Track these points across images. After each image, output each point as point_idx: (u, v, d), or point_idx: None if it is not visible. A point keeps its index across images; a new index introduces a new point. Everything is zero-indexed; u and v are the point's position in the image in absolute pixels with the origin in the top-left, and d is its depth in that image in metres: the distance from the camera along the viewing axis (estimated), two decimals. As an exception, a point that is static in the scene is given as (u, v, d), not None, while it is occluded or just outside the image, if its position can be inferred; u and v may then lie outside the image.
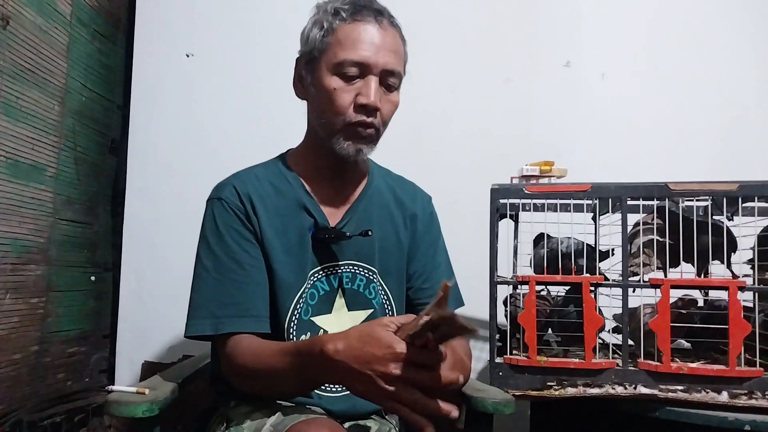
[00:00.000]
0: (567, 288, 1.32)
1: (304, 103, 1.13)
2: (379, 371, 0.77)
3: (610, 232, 1.31)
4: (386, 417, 1.15)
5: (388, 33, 1.03)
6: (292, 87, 1.13)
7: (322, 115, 1.05)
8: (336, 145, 1.04)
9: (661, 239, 1.24)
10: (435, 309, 0.73)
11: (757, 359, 1.16)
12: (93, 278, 1.85)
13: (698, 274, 1.26)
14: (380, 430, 1.06)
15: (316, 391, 1.05)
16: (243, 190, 1.08)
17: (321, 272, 1.10)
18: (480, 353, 1.68)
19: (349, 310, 1.11)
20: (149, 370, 1.82)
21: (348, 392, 1.05)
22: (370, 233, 1.09)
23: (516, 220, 1.45)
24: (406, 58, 1.09)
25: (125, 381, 1.84)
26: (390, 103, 1.05)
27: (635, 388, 1.18)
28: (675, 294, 1.23)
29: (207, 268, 1.04)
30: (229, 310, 1.01)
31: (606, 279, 1.26)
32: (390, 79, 1.04)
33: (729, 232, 1.24)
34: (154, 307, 1.86)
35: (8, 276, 1.45)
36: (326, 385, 1.06)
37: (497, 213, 1.30)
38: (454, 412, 0.77)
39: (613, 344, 1.25)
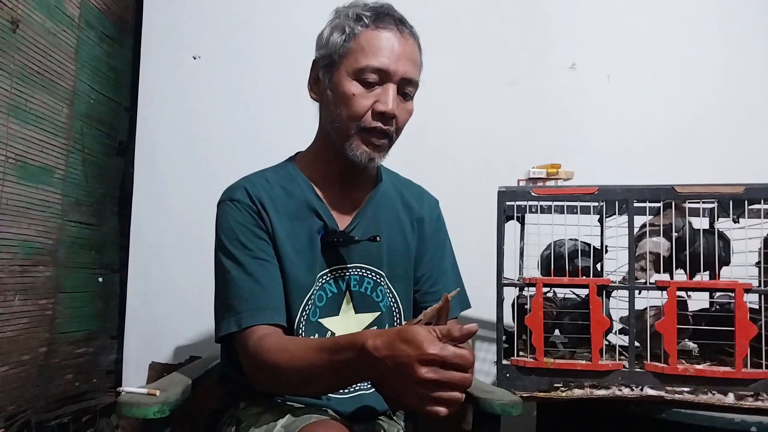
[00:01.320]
0: (581, 291, 1.32)
1: (312, 105, 1.14)
2: (411, 374, 0.76)
3: (616, 234, 1.31)
4: (394, 418, 1.15)
5: (409, 42, 1.04)
6: (301, 91, 1.13)
7: (337, 119, 1.05)
8: (349, 151, 1.05)
9: (667, 241, 1.25)
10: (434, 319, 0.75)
11: (764, 361, 1.17)
12: (100, 279, 1.86)
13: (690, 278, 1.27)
14: (389, 431, 1.07)
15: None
16: (254, 192, 1.08)
17: (329, 274, 1.10)
18: (486, 354, 1.69)
19: (356, 313, 1.12)
20: (156, 370, 1.83)
21: (356, 394, 1.08)
22: (378, 239, 1.10)
23: (522, 222, 1.45)
24: (422, 67, 1.10)
25: (132, 382, 1.84)
26: (405, 112, 1.06)
27: (642, 389, 1.19)
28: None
29: (227, 269, 1.05)
30: (248, 304, 1.01)
31: (612, 281, 1.27)
32: (407, 88, 1.05)
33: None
34: (161, 308, 1.87)
35: (17, 277, 1.46)
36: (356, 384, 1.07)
37: (504, 215, 1.31)
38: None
39: (619, 346, 1.26)
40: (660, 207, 1.27)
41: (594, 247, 1.33)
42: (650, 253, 1.25)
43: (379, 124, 1.03)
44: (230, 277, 1.04)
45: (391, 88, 1.02)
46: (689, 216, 1.36)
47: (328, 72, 1.07)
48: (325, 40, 1.07)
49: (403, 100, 1.06)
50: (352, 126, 1.03)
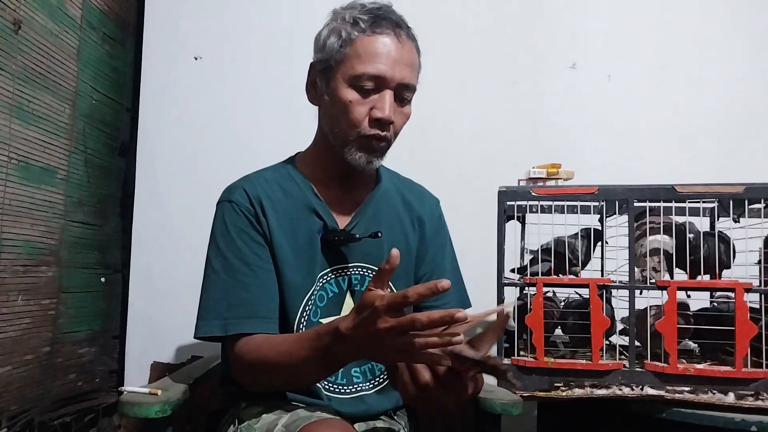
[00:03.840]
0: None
1: (312, 106, 1.14)
2: (373, 331, 0.77)
3: (617, 233, 1.32)
4: (395, 417, 1.16)
5: (406, 46, 1.03)
6: (301, 91, 1.13)
7: (335, 124, 1.05)
8: (348, 155, 1.05)
9: (665, 240, 1.25)
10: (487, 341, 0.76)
11: (764, 360, 1.17)
12: (103, 279, 1.86)
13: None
14: (390, 431, 1.07)
15: (326, 392, 1.06)
16: (253, 193, 1.09)
17: (330, 274, 1.11)
18: (487, 354, 1.69)
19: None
20: (158, 370, 1.84)
21: (358, 394, 1.08)
22: (380, 235, 1.10)
23: (523, 222, 1.46)
24: (420, 69, 1.09)
25: (134, 381, 1.85)
26: (402, 116, 1.06)
27: (642, 389, 1.19)
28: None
29: (216, 270, 1.06)
30: (237, 312, 1.02)
31: (613, 281, 1.27)
32: (405, 93, 1.04)
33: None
34: (163, 308, 1.87)
35: (20, 277, 1.47)
36: (336, 385, 1.08)
37: (504, 215, 1.31)
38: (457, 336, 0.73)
39: (620, 345, 1.26)
40: (656, 206, 1.27)
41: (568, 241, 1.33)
42: (659, 252, 1.24)
43: (377, 131, 1.02)
44: (220, 279, 1.04)
45: (388, 94, 1.01)
46: (689, 216, 1.37)
47: (325, 77, 1.07)
48: (322, 43, 1.06)
49: (401, 105, 1.05)
50: (350, 133, 1.03)
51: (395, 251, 0.77)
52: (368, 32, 1.01)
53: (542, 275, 1.29)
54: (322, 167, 1.13)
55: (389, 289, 1.14)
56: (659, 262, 1.23)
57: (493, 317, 0.79)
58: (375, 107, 1.02)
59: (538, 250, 1.37)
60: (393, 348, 0.77)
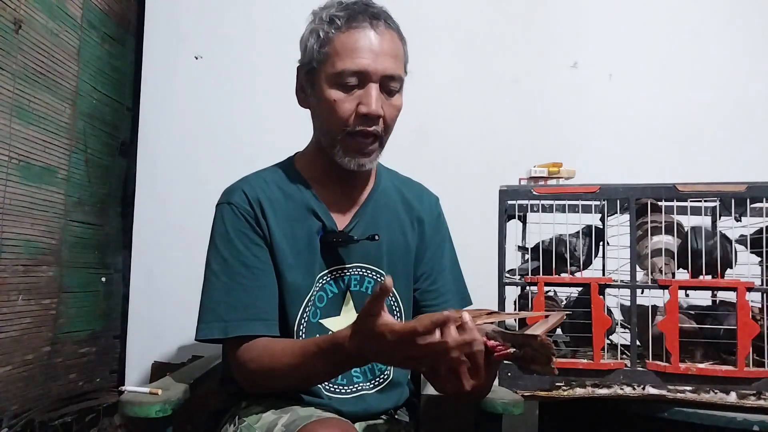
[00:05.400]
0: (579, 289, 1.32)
1: None
2: (404, 356, 0.81)
3: (618, 232, 1.31)
4: (396, 416, 1.16)
5: (385, 37, 1.02)
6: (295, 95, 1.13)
7: (324, 125, 1.05)
8: (337, 158, 1.05)
9: (670, 240, 1.25)
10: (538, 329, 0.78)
11: (766, 360, 1.16)
12: (103, 279, 1.86)
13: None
14: (391, 430, 1.07)
15: (325, 392, 1.06)
16: (252, 194, 1.08)
17: (329, 275, 1.10)
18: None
19: (357, 313, 1.11)
20: (159, 370, 1.84)
21: (358, 394, 1.08)
22: (377, 237, 1.10)
23: (524, 221, 1.45)
24: (407, 58, 1.07)
25: (135, 381, 1.85)
26: (392, 108, 1.05)
27: (644, 388, 1.19)
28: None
29: (216, 273, 1.05)
30: (237, 314, 1.02)
31: (614, 280, 1.27)
32: (391, 84, 1.03)
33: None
34: (164, 307, 1.87)
35: (21, 277, 1.47)
36: (336, 384, 1.08)
37: (505, 214, 1.31)
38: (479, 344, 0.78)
39: (621, 345, 1.26)
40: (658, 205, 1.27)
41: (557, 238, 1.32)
42: (663, 252, 1.24)
43: (365, 127, 1.02)
44: (220, 281, 1.04)
45: (373, 88, 1.00)
46: (691, 214, 1.36)
47: (310, 79, 1.07)
48: (304, 46, 1.07)
49: (389, 97, 1.04)
50: (338, 132, 1.03)
51: (389, 279, 0.78)
52: (344, 29, 1.00)
53: (531, 274, 1.29)
54: (320, 167, 1.13)
55: (392, 294, 1.14)
56: (666, 264, 1.23)
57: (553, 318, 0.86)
58: (361, 103, 1.01)
59: (529, 249, 1.36)
60: (407, 360, 0.83)
